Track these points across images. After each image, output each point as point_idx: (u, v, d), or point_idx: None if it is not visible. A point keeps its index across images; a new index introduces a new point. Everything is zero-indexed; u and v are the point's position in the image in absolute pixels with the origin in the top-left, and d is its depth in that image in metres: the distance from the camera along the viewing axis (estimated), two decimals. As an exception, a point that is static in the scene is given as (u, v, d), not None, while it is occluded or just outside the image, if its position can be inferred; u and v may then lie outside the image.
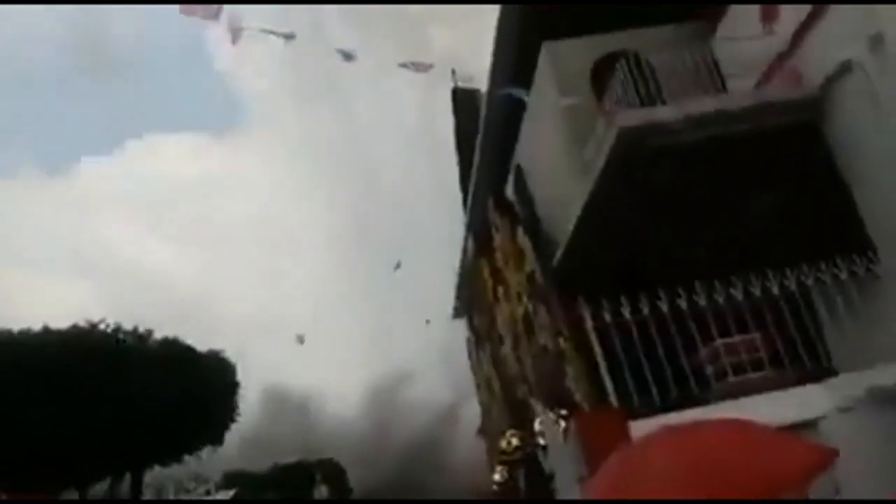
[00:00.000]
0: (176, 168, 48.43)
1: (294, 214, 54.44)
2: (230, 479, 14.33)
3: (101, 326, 12.11)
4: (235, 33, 7.63)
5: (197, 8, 6.73)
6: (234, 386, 12.75)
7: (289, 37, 7.46)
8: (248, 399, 13.47)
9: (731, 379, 6.70)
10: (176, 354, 11.88)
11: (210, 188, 52.16)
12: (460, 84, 16.48)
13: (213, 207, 53.03)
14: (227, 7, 7.72)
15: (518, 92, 9.87)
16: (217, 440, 12.55)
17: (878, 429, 5.75)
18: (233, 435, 13.26)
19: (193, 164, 52.31)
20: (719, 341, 6.87)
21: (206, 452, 11.49)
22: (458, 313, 18.89)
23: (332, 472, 19.83)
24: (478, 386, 14.74)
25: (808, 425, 5.59)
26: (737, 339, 6.82)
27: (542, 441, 8.75)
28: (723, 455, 4.00)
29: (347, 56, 7.68)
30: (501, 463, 11.45)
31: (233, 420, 12.83)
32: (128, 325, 12.33)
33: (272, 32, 7.36)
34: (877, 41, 7.61)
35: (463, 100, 16.83)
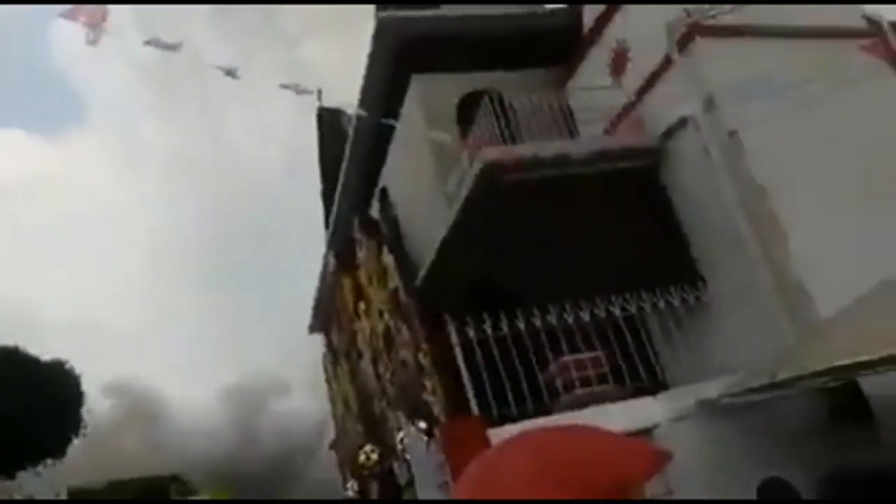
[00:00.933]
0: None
1: (137, 221, 51.57)
2: (73, 495, 13.41)
3: None
4: (96, 34, 7.35)
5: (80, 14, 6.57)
6: (78, 397, 12.05)
7: (172, 48, 7.39)
8: (94, 409, 12.79)
9: (578, 391, 7.46)
10: (16, 364, 11.09)
11: (40, 188, 48.23)
12: (325, 105, 16.73)
13: (39, 208, 49.03)
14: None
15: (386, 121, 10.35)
16: (59, 453, 11.77)
17: (706, 436, 6.66)
18: (75, 447, 12.51)
19: (23, 162, 48.20)
20: (568, 357, 7.63)
21: (45, 467, 10.76)
22: (313, 329, 18.92)
23: (181, 488, 19.07)
24: (332, 401, 14.88)
25: (644, 433, 6.39)
26: (583, 355, 7.61)
27: (402, 453, 9.14)
28: (575, 454, 4.60)
29: (230, 72, 7.74)
30: (355, 476, 11.69)
31: (76, 434, 12.10)
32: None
33: (157, 44, 7.25)
34: (709, 102, 8.83)
35: (328, 120, 17.06)
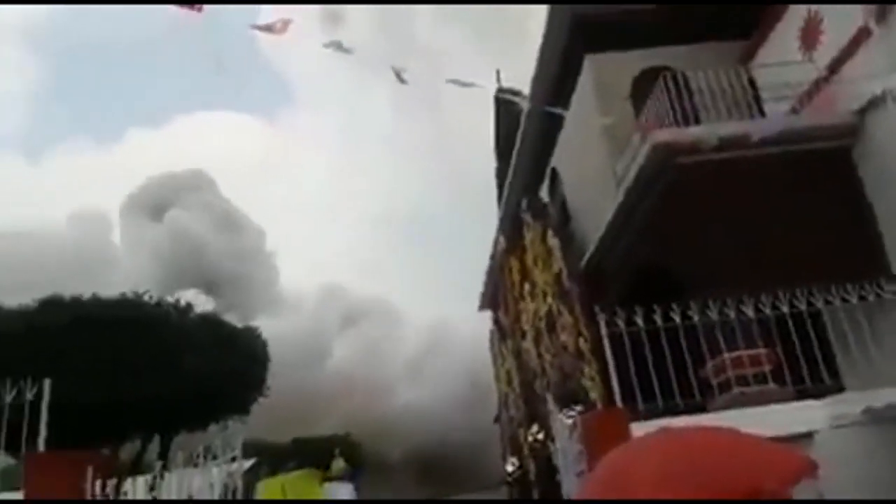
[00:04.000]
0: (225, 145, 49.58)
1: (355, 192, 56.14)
2: (252, 449, 14.98)
3: (146, 298, 12.77)
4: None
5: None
6: (265, 361, 13.33)
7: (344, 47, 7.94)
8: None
9: (736, 390, 7.04)
10: (214, 328, 12.52)
11: (269, 165, 53.52)
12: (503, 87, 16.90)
13: (272, 183, 54.49)
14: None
15: (554, 109, 10.26)
16: (245, 411, 13.16)
17: (869, 447, 6.08)
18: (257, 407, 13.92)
19: (251, 141, 53.53)
20: (726, 354, 7.21)
21: (231, 422, 12.08)
22: (482, 306, 19.35)
23: (347, 446, 20.62)
24: (497, 377, 15.16)
25: (803, 438, 5.94)
26: (743, 352, 7.14)
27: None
28: (709, 457, 4.41)
29: (398, 75, 8.13)
30: (515, 453, 11.88)
31: (262, 394, 13.43)
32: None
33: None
34: (909, 77, 7.87)
35: (504, 104, 17.22)
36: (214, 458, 7.91)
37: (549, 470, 10.11)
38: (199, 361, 11.45)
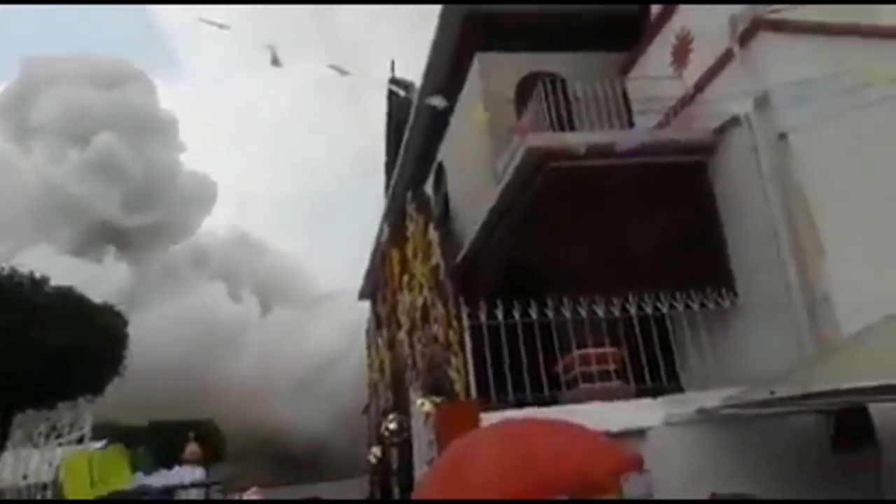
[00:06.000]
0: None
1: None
2: (106, 430, 14.38)
3: None
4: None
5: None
6: (123, 339, 12.81)
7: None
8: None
9: (582, 385, 7.41)
10: (70, 303, 11.92)
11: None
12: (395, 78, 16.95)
13: None
14: None
15: (439, 101, 10.40)
16: (98, 390, 12.56)
17: (699, 444, 6.54)
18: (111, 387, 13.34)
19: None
20: (576, 352, 7.57)
21: (82, 401, 11.49)
22: (363, 295, 19.35)
23: (208, 431, 20.09)
24: (370, 366, 15.23)
25: (638, 434, 6.32)
26: (591, 350, 7.53)
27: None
28: (542, 449, 4.70)
29: (274, 59, 8.11)
30: (379, 443, 11.99)
31: (117, 373, 12.89)
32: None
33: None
34: (763, 101, 8.45)
35: (396, 95, 17.28)
36: (59, 436, 7.62)
37: (410, 459, 10.29)
38: (50, 336, 10.89)
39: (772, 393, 5.59)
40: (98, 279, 24.11)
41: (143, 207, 36.39)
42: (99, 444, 13.28)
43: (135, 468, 15.15)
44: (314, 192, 51.21)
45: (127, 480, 8.29)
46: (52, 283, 12.08)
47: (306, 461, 26.47)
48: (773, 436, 6.45)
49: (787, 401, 5.70)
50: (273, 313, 37.13)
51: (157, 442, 18.21)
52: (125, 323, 12.95)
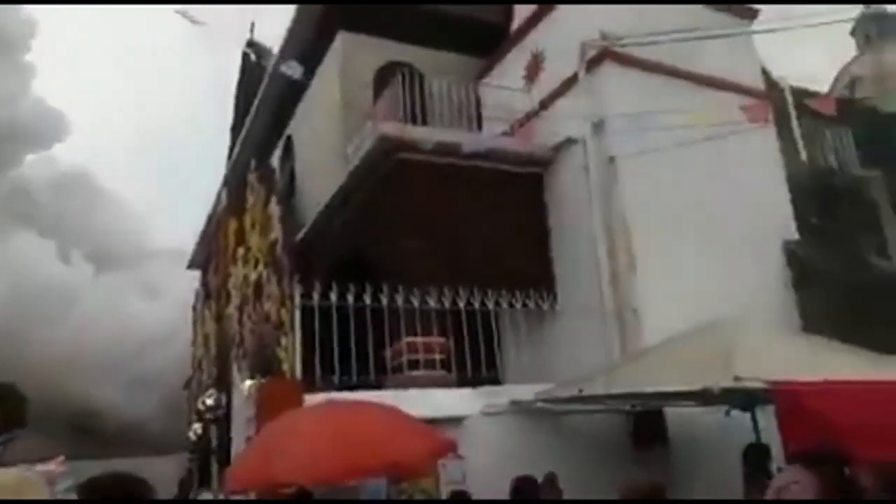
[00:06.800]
0: None
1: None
2: None
3: None
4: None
5: None
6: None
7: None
8: None
9: (407, 372, 7.73)
10: None
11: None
12: (253, 41, 16.43)
13: None
14: None
15: (293, 70, 10.26)
16: None
17: (511, 433, 7.05)
18: None
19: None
20: (405, 339, 7.88)
21: None
22: (192, 264, 18.59)
23: (9, 398, 18.37)
24: (194, 340, 14.73)
25: (455, 421, 6.69)
26: (418, 339, 7.86)
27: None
28: (357, 433, 4.87)
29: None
30: (200, 420, 11.68)
31: None
32: None
33: None
34: (599, 125, 9.18)
35: (250, 63, 16.77)
36: None
37: (229, 436, 10.13)
38: None
39: (580, 391, 6.17)
40: None
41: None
42: None
43: None
44: (165, 142, 47.23)
45: None
46: None
47: (121, 436, 24.90)
48: (582, 430, 7.09)
49: (592, 399, 6.31)
50: (105, 276, 34.12)
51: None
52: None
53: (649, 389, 5.93)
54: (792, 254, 9.71)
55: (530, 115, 10.38)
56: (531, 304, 9.06)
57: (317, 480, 4.65)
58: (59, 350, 26.56)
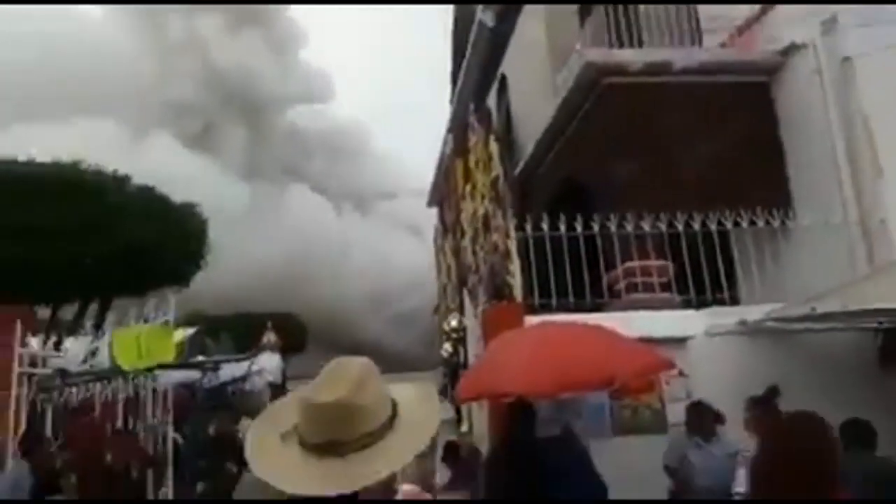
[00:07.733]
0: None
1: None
2: (188, 318, 15.71)
3: (83, 166, 12.93)
4: None
5: None
6: (201, 236, 13.80)
7: None
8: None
9: (631, 295, 7.84)
10: (151, 201, 12.92)
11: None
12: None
13: None
14: None
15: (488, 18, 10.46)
16: (182, 282, 13.71)
17: (737, 354, 6.91)
18: (202, 284, 14.53)
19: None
20: (629, 263, 7.97)
21: (172, 292, 12.63)
22: (431, 203, 19.89)
23: (291, 325, 21.50)
24: (438, 270, 15.89)
25: (679, 342, 6.73)
26: (638, 263, 7.90)
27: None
28: (573, 349, 5.18)
29: None
30: (448, 339, 12.87)
31: (199, 267, 13.99)
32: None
33: None
34: (829, 24, 8.36)
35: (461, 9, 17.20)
36: (146, 321, 8.51)
37: (467, 353, 11.03)
38: (134, 231, 11.89)
39: (813, 309, 5.88)
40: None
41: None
42: (191, 331, 14.61)
43: (205, 350, 16.57)
44: (408, 90, 49.17)
45: (170, 355, 9.00)
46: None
47: (391, 357, 28.09)
48: (817, 350, 6.70)
49: (828, 317, 5.97)
50: (369, 223, 37.12)
51: (239, 330, 19.87)
52: (203, 222, 13.91)
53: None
54: None
55: (750, 22, 9.67)
56: (760, 223, 8.59)
57: (534, 392, 5.01)
58: (334, 295, 30.15)
